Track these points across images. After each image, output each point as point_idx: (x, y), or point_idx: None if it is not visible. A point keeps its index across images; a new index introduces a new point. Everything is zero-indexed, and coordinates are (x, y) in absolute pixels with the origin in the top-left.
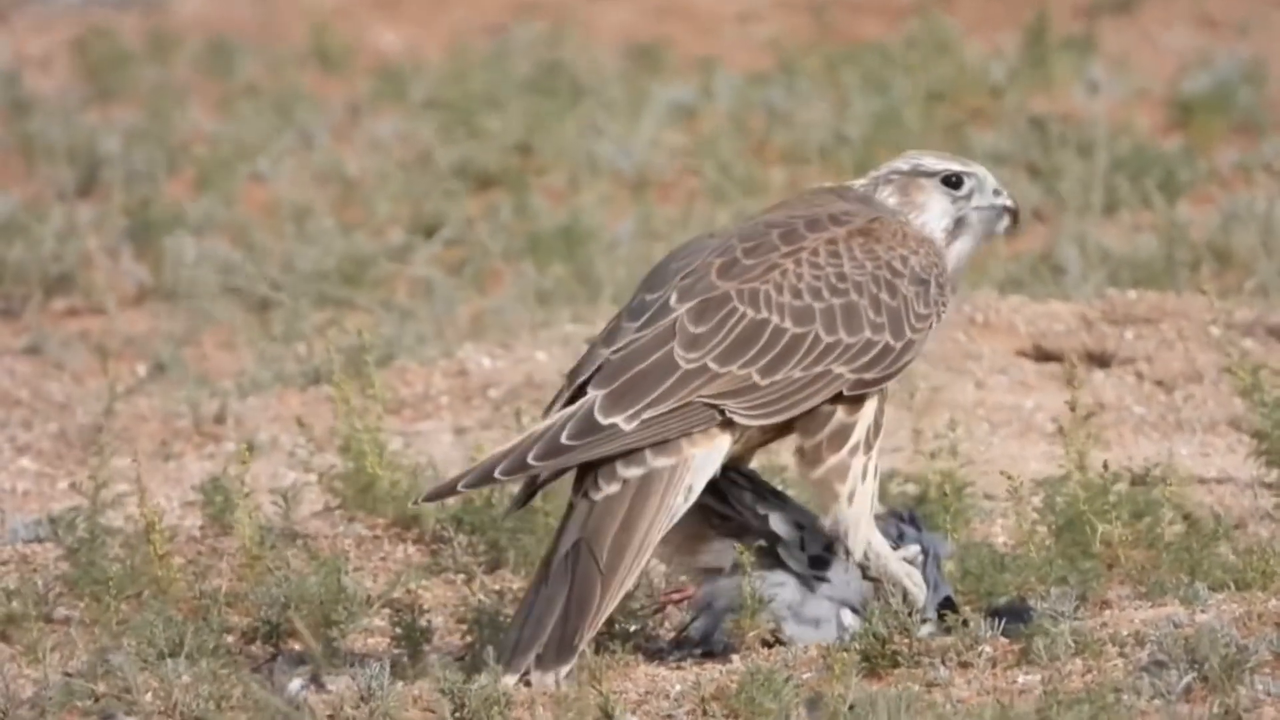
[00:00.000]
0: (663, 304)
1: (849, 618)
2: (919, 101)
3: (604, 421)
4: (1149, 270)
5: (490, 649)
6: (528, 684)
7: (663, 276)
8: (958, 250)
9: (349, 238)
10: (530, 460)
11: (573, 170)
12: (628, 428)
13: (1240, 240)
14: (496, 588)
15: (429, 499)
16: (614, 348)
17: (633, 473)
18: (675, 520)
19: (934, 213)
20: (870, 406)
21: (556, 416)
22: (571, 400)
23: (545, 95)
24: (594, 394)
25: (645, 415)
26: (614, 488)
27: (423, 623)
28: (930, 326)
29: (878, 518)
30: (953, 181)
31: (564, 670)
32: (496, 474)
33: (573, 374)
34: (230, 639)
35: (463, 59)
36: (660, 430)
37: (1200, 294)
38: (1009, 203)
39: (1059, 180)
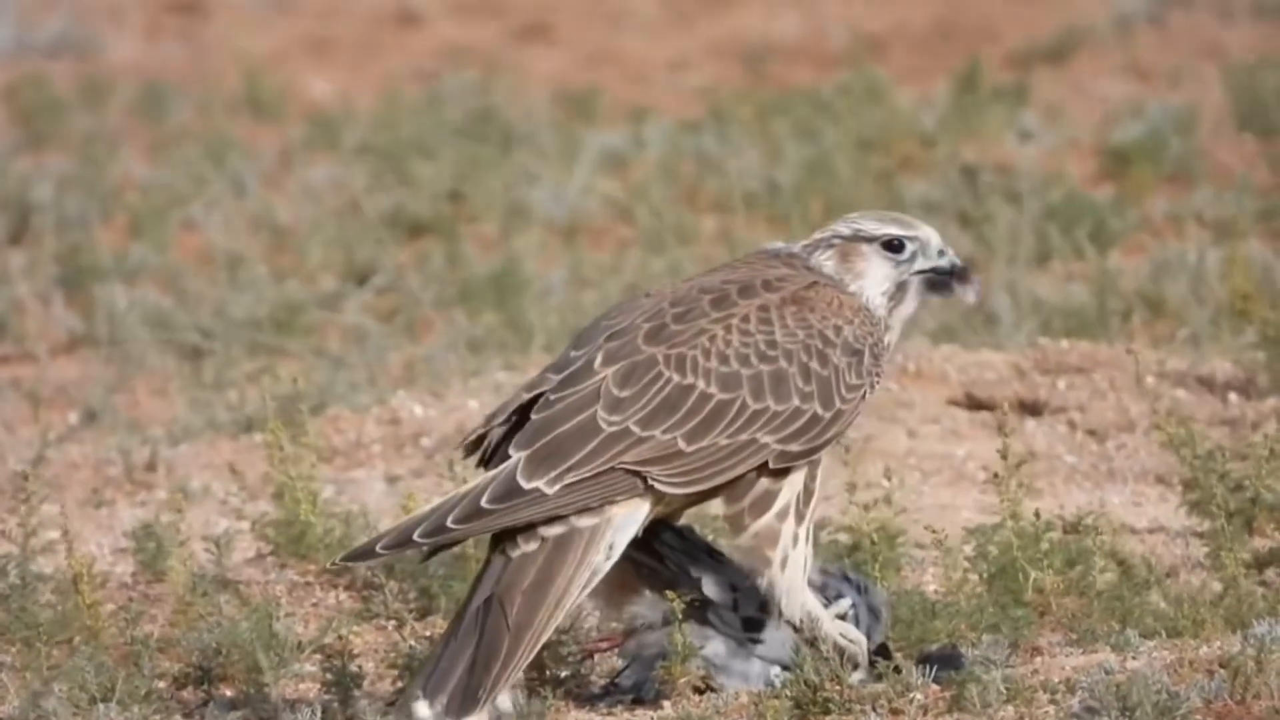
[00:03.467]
0: (586, 364)
1: (776, 671)
2: (850, 150)
3: (526, 485)
4: (1081, 319)
5: (420, 695)
6: None
7: (590, 334)
8: (900, 315)
9: (281, 285)
10: (449, 524)
11: (504, 218)
12: (550, 491)
13: (1172, 290)
14: (427, 634)
15: (348, 560)
16: (535, 397)
17: (553, 531)
18: (598, 578)
19: (874, 279)
20: (798, 475)
21: (478, 479)
22: (492, 449)
23: (477, 142)
24: (516, 456)
25: (568, 479)
26: (531, 545)
27: (354, 668)
28: (863, 397)
29: (817, 574)
30: (894, 245)
31: None
32: (415, 537)
33: (491, 417)
34: (162, 684)
35: (394, 106)
36: (583, 497)
37: (1132, 348)
38: (954, 262)
39: (990, 229)
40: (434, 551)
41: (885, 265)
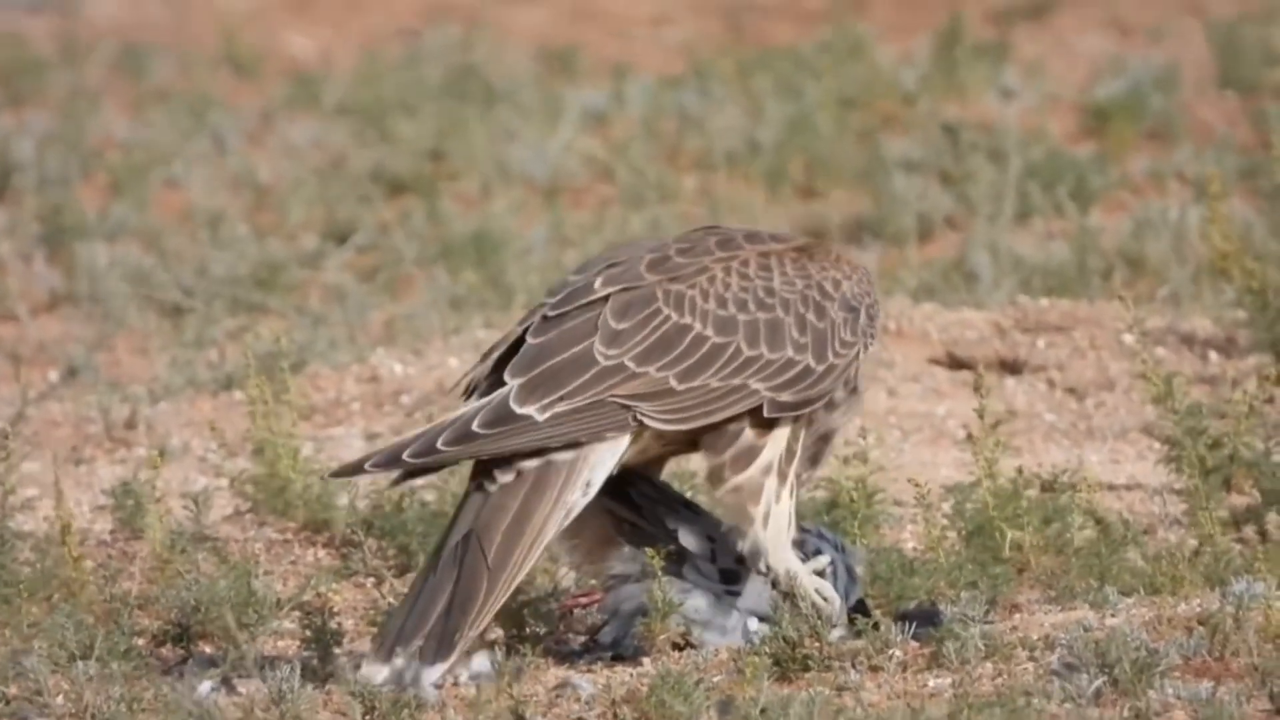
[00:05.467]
0: (585, 285)
1: (755, 624)
2: (831, 107)
3: (519, 411)
4: (1061, 278)
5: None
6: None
7: (591, 265)
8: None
9: (262, 243)
10: (440, 446)
11: (485, 176)
12: (540, 418)
13: (1152, 248)
14: (406, 590)
15: (336, 475)
16: (532, 327)
17: (530, 464)
18: (572, 517)
19: None
20: (783, 432)
21: (471, 405)
22: (481, 380)
23: (458, 100)
24: (510, 382)
25: (559, 409)
26: (509, 477)
27: (333, 625)
28: (855, 355)
29: (797, 531)
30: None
31: (442, 668)
32: (405, 456)
33: (487, 353)
34: (141, 642)
35: (375, 64)
36: (573, 429)
37: (1113, 301)
38: None
39: (971, 187)
40: (409, 475)
41: None
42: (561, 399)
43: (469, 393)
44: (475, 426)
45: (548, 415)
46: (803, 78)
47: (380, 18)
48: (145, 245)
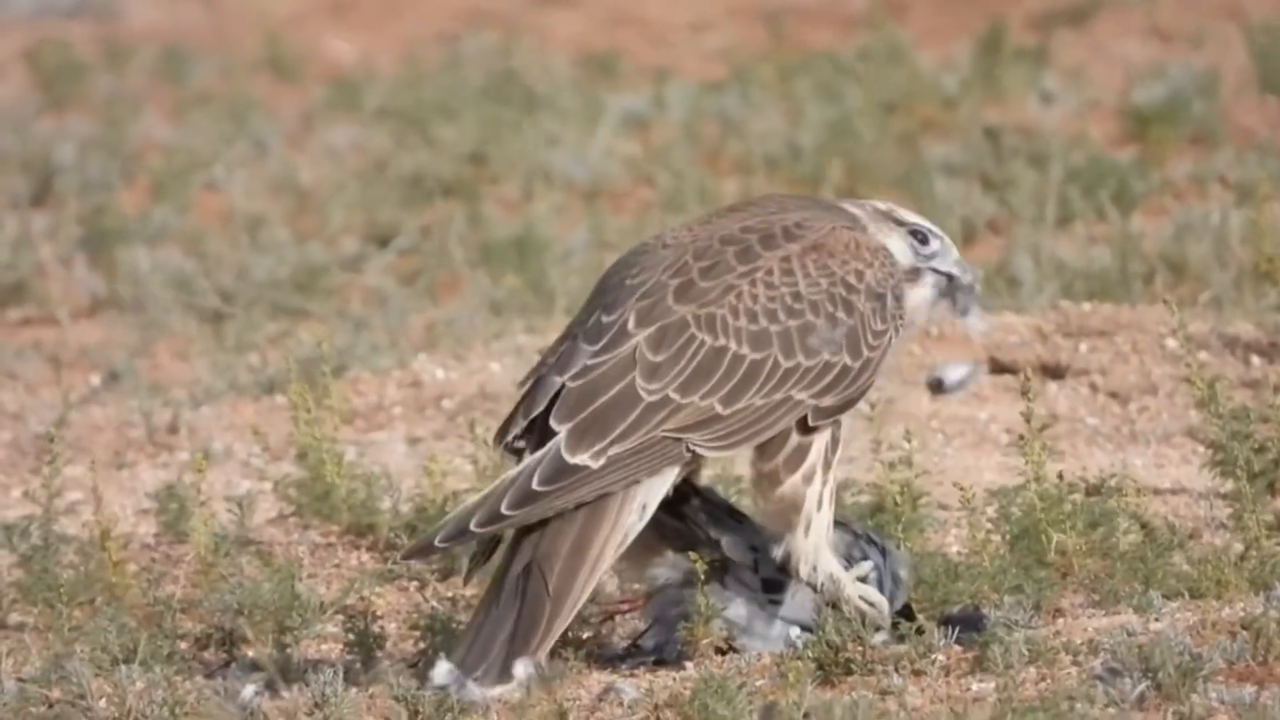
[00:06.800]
0: (620, 327)
1: (796, 633)
2: (872, 112)
3: (572, 460)
4: (1103, 282)
5: (442, 657)
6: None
7: (617, 294)
8: (909, 302)
9: (303, 247)
10: (504, 510)
11: (526, 180)
12: (595, 465)
13: (1194, 252)
14: (449, 595)
15: (408, 556)
16: (571, 373)
17: None
18: (630, 539)
19: (896, 250)
20: (826, 428)
21: (525, 461)
22: (530, 430)
23: (499, 105)
24: (559, 431)
25: (612, 451)
26: (568, 508)
27: (376, 629)
28: (888, 343)
29: (841, 536)
30: (920, 236)
31: (501, 690)
32: (472, 526)
33: (527, 399)
34: (184, 646)
35: (416, 68)
36: (630, 472)
37: (1155, 305)
38: (972, 278)
39: (1013, 192)
40: (486, 558)
41: (906, 249)
42: (613, 442)
43: (522, 435)
44: (536, 485)
45: (603, 461)
46: (843, 82)
47: (420, 21)
48: (186, 249)
